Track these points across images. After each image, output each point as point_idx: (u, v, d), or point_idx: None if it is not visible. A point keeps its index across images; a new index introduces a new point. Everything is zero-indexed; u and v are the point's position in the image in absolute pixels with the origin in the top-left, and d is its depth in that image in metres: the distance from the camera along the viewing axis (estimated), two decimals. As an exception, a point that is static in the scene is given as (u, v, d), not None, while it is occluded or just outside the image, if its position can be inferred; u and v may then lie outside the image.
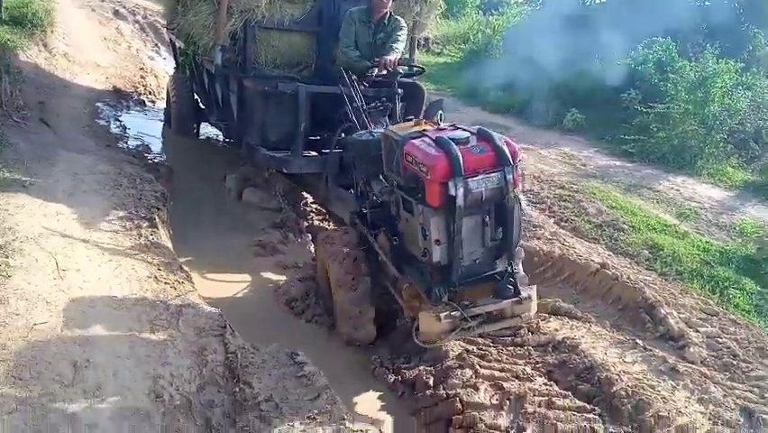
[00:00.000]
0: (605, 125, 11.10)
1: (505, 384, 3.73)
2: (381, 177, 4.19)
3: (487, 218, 3.49)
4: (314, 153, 5.68)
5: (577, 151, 9.98)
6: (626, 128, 10.26)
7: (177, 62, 8.10)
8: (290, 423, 3.17)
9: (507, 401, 3.63)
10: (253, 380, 3.43)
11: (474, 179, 3.38)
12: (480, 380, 3.80)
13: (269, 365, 3.62)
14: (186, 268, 4.61)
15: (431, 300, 3.53)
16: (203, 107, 7.71)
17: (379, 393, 3.97)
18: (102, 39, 11.85)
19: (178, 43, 7.39)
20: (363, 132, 4.58)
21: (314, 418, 3.21)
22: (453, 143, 3.42)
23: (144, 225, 4.90)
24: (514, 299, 3.60)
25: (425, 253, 3.52)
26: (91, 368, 3.16)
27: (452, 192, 3.32)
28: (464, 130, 3.69)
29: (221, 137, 7.99)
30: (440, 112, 3.99)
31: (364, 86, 5.13)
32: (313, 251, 5.12)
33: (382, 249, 4.12)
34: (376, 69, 5.18)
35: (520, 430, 3.44)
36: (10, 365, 3.02)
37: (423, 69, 5.36)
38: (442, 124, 3.81)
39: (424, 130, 3.74)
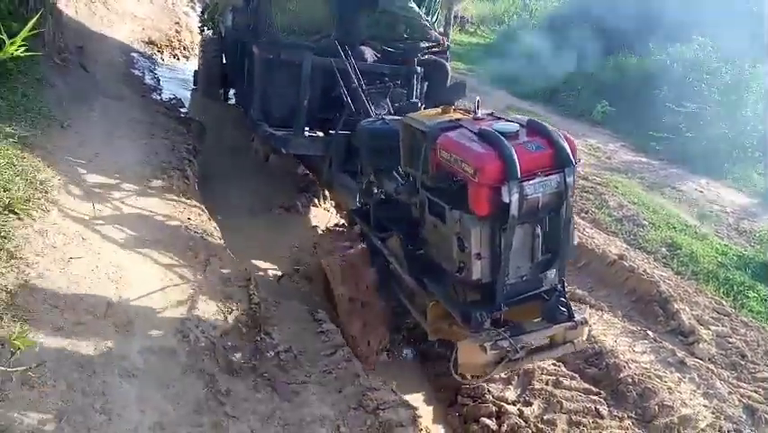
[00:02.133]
0: (634, 120, 11.01)
1: (514, 360, 3.81)
2: (395, 172, 3.71)
3: (538, 229, 2.94)
4: (320, 134, 5.25)
5: (603, 144, 9.95)
6: (654, 125, 10.20)
7: (202, 21, 8.04)
8: (307, 374, 3.31)
9: (516, 377, 3.73)
10: (274, 331, 3.57)
11: (530, 182, 2.79)
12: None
13: (289, 319, 3.75)
14: (214, 221, 4.72)
15: (470, 326, 2.96)
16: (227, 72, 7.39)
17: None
18: (140, -11, 11.90)
19: (207, 0, 7.34)
20: (374, 118, 4.09)
21: (330, 371, 3.35)
22: (504, 138, 2.84)
23: (176, 175, 5.02)
24: (568, 324, 3.08)
25: (461, 268, 2.96)
26: (123, 304, 3.29)
27: (506, 199, 2.75)
28: (508, 121, 3.10)
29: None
30: (477, 99, 3.35)
31: (376, 61, 4.80)
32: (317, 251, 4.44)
33: (395, 256, 3.61)
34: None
35: (526, 404, 3.55)
36: (47, 294, 3.16)
37: (447, 46, 4.99)
38: (479, 113, 3.22)
39: (458, 119, 3.18)
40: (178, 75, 9.00)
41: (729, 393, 3.85)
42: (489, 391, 3.61)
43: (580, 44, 12.66)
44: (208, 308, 3.52)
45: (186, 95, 8.14)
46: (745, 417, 3.66)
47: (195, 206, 4.67)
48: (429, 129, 3.18)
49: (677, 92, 10.86)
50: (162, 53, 9.57)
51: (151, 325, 3.24)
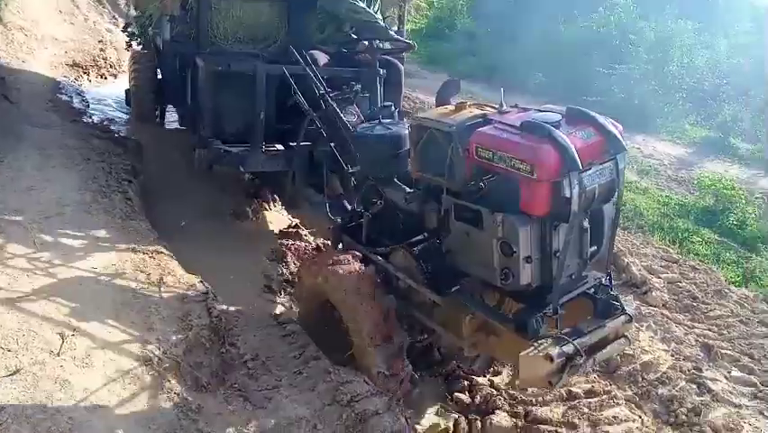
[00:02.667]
0: (568, 88, 11.30)
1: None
2: (396, 180, 3.55)
3: (586, 222, 2.82)
4: (279, 147, 4.85)
5: (542, 113, 10.16)
6: (587, 90, 10.49)
7: (129, 35, 7.45)
8: (277, 378, 3.30)
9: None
10: (239, 341, 3.54)
11: (587, 173, 2.64)
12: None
13: (252, 327, 3.72)
14: (162, 238, 4.63)
15: (526, 335, 2.77)
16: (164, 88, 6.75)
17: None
18: (57, 12, 11.49)
19: (132, 13, 6.86)
20: (372, 124, 3.75)
21: (300, 372, 3.35)
22: (553, 128, 2.63)
23: (117, 197, 4.90)
24: (623, 318, 2.97)
25: (506, 274, 2.76)
26: (78, 336, 3.21)
27: (567, 193, 2.58)
28: (539, 110, 2.91)
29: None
30: (502, 90, 3.08)
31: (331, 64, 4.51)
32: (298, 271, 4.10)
33: (404, 271, 3.36)
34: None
35: (495, 374, 3.63)
36: (-2, 336, 3.05)
37: (412, 44, 4.77)
38: (505, 106, 3.00)
39: (483, 115, 2.96)
40: (108, 95, 8.75)
41: (685, 334, 4.03)
42: (459, 366, 3.68)
43: (510, 20, 12.88)
44: (168, 328, 3.46)
45: (118, 115, 7.93)
46: (702, 355, 3.84)
47: (141, 226, 4.57)
48: (456, 128, 2.91)
49: (606, 56, 11.20)
50: (89, 74, 9.28)
51: (111, 354, 3.16)
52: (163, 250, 4.34)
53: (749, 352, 4.23)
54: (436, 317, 3.30)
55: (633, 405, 3.56)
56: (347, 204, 4.15)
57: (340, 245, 3.91)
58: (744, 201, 7.78)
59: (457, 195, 2.96)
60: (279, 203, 5.82)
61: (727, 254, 7.06)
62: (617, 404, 3.49)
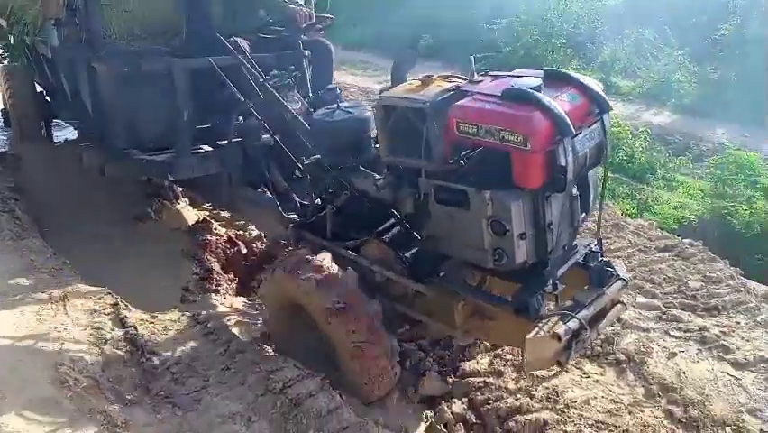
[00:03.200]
0: (457, 47, 11.51)
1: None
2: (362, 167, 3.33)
3: (575, 189, 2.68)
4: (207, 148, 4.39)
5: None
6: (475, 47, 10.73)
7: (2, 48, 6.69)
8: (205, 378, 3.24)
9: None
10: (159, 348, 3.43)
11: (578, 137, 2.52)
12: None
13: (172, 331, 3.62)
14: (60, 252, 4.38)
15: (528, 316, 2.66)
16: (50, 101, 6.26)
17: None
18: None
19: None
20: (329, 109, 3.48)
21: (227, 367, 3.30)
22: (540, 94, 2.48)
23: (3, 217, 4.58)
24: (620, 284, 2.91)
25: (499, 254, 2.63)
26: (-20, 370, 3.00)
27: (562, 161, 2.45)
28: (514, 76, 2.75)
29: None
30: (471, 58, 2.88)
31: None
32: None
33: (381, 262, 3.18)
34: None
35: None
36: None
37: (330, 20, 4.53)
38: (476, 76, 2.83)
39: (457, 87, 2.79)
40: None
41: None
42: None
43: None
44: (80, 346, 3.30)
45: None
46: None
47: (35, 243, 4.30)
48: (430, 104, 2.70)
49: (488, 10, 11.47)
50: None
51: (24, 383, 2.98)
52: (62, 266, 4.10)
53: (650, 278, 4.55)
54: (419, 308, 3.13)
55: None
56: (296, 198, 3.90)
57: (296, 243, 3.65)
58: (630, 136, 8.30)
59: (436, 176, 2.77)
60: (180, 200, 5.62)
61: (621, 189, 7.55)
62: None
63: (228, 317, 4.08)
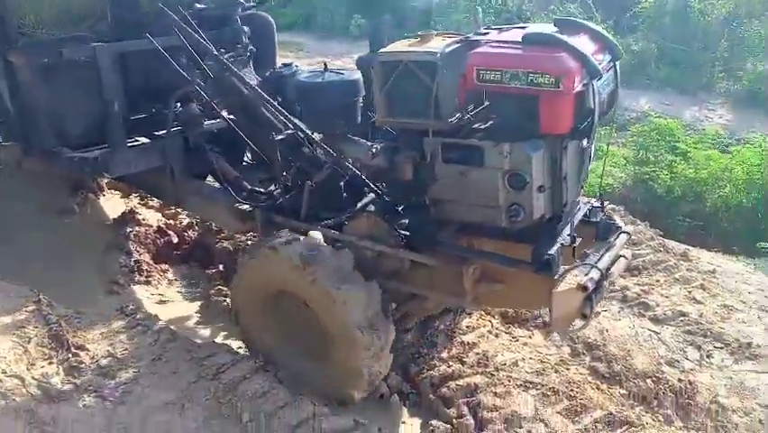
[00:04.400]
0: (390, 28, 11.47)
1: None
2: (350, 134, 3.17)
3: (586, 141, 2.62)
4: (144, 140, 4.06)
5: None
6: (409, 25, 10.75)
7: None
8: (135, 370, 3.18)
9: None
10: (86, 342, 3.35)
11: (600, 82, 2.49)
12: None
13: (99, 325, 3.53)
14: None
15: (551, 272, 2.59)
16: None
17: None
18: None
19: None
20: (315, 72, 3.24)
21: (158, 357, 3.25)
22: (562, 36, 2.47)
23: None
24: (625, 237, 2.92)
25: (516, 211, 2.55)
26: None
27: (591, 103, 2.43)
28: (520, 28, 2.71)
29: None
30: (475, 11, 2.84)
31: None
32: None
33: (374, 237, 3.01)
34: None
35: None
36: None
37: None
38: (481, 28, 2.79)
39: (466, 38, 2.70)
40: None
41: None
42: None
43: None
44: (3, 347, 3.18)
45: None
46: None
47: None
48: (441, 54, 2.57)
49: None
50: None
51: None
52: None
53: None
54: (418, 281, 3.03)
55: (483, 313, 3.85)
56: (248, 186, 3.70)
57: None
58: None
59: (444, 134, 2.65)
60: (106, 192, 5.43)
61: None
62: (469, 315, 3.77)
63: (159, 308, 4.03)
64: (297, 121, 3.32)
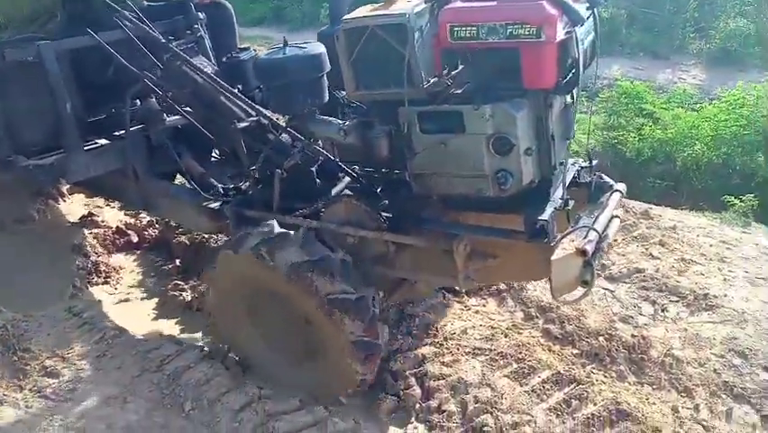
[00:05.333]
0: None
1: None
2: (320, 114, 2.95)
3: (570, 96, 2.50)
4: (103, 141, 3.82)
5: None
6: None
7: None
8: (79, 369, 3.17)
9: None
10: (31, 344, 3.33)
11: (581, 29, 2.31)
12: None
13: (46, 327, 3.51)
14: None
15: (547, 239, 2.44)
16: None
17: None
18: None
19: None
20: (274, 48, 2.96)
21: (103, 354, 3.24)
22: None
23: None
24: (618, 197, 2.77)
25: (504, 177, 2.39)
26: None
27: (575, 52, 2.26)
28: None
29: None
30: None
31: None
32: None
33: (354, 223, 2.83)
34: None
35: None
36: None
37: None
38: None
39: None
40: None
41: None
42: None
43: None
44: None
45: None
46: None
47: None
48: (409, 15, 2.38)
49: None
50: None
51: None
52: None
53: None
54: (404, 264, 2.86)
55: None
56: (214, 181, 3.53)
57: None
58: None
59: (420, 103, 2.47)
60: (66, 198, 5.39)
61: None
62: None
63: (115, 307, 4.00)
64: (259, 107, 3.17)
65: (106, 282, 4.38)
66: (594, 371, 3.17)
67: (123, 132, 3.66)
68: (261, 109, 3.17)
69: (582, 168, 2.88)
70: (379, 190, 2.92)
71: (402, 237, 2.76)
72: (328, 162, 3.04)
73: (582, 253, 2.35)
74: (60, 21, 3.99)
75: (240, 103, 3.23)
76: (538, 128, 2.41)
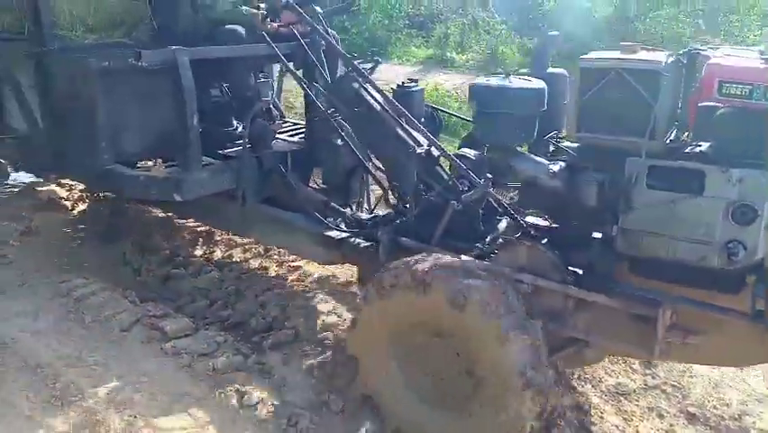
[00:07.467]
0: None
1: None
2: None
3: None
4: (210, 160, 3.63)
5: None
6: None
7: None
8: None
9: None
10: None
11: None
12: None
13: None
14: None
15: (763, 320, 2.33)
16: None
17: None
18: None
19: None
20: (499, 75, 2.87)
21: (22, 284, 3.84)
22: None
23: None
24: None
25: (735, 249, 2.25)
26: None
27: None
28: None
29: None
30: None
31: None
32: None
33: (534, 270, 2.63)
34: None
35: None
36: None
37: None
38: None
39: (689, 50, 2.58)
40: None
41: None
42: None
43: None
44: None
45: None
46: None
47: None
48: (665, 65, 2.38)
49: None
50: None
51: None
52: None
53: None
54: (581, 324, 2.66)
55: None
56: (340, 209, 3.47)
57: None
58: (455, 101, 9.35)
59: (655, 155, 2.37)
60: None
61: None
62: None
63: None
64: (432, 137, 3.07)
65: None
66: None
67: (236, 152, 3.64)
68: (435, 140, 3.08)
69: None
70: (566, 242, 2.75)
71: (592, 295, 2.56)
72: (496, 203, 2.97)
73: None
74: (148, 30, 4.00)
75: (412, 131, 3.09)
76: None
